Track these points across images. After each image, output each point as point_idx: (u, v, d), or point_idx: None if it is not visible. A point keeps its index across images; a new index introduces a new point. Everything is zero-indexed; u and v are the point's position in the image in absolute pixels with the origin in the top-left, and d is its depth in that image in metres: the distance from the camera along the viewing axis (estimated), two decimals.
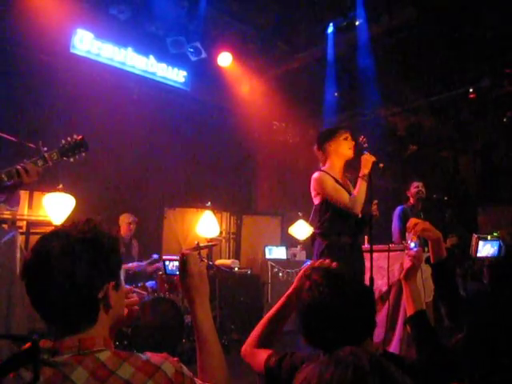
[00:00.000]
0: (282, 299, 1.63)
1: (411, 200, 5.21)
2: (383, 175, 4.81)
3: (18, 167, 2.40)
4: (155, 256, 5.54)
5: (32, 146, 2.68)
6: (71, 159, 2.61)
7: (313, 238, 3.36)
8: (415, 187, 5.21)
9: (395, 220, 5.02)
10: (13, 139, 2.91)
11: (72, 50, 5.76)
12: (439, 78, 6.89)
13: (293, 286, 1.61)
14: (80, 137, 2.64)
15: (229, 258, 7.29)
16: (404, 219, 4.91)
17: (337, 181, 3.26)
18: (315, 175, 3.28)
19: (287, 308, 1.61)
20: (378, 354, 1.32)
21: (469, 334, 1.24)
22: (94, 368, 0.98)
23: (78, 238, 1.06)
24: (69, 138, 2.61)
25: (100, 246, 1.08)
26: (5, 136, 2.90)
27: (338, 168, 3.32)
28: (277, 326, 1.62)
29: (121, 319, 1.17)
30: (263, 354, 1.50)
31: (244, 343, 1.64)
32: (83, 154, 2.66)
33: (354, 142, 3.32)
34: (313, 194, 3.34)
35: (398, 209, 5.04)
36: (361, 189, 3.12)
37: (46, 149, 2.54)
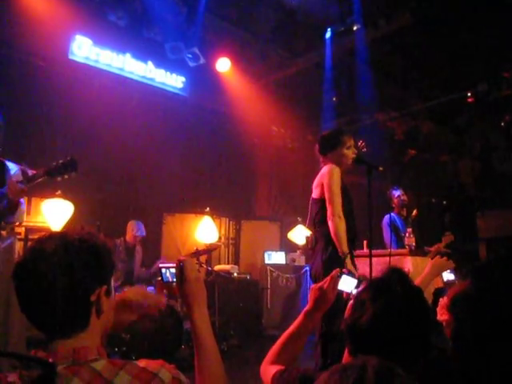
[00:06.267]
0: (300, 317, 1.59)
1: (396, 209, 5.18)
2: (383, 180, 4.80)
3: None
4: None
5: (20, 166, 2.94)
6: (58, 178, 2.79)
7: (314, 240, 3.19)
8: (397, 197, 5.18)
9: (385, 230, 4.98)
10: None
11: (71, 57, 5.78)
12: (437, 83, 6.91)
13: (310, 304, 1.59)
14: (69, 158, 2.80)
15: (228, 264, 7.27)
16: (394, 228, 4.90)
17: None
18: (329, 166, 3.20)
19: (306, 326, 1.57)
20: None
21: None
22: (90, 378, 0.96)
23: (73, 238, 1.06)
24: (60, 160, 2.79)
25: (94, 248, 1.08)
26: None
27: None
28: (296, 344, 1.57)
29: (110, 327, 1.17)
30: (273, 370, 1.46)
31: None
32: (72, 174, 2.81)
33: (355, 150, 3.30)
34: (316, 184, 3.24)
35: (386, 218, 5.00)
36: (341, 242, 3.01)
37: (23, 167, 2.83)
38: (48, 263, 1.01)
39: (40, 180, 2.77)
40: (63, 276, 1.01)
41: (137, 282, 5.34)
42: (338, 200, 3.09)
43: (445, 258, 2.32)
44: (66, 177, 2.79)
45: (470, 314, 1.09)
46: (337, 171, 3.15)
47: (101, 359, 1.02)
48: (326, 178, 3.13)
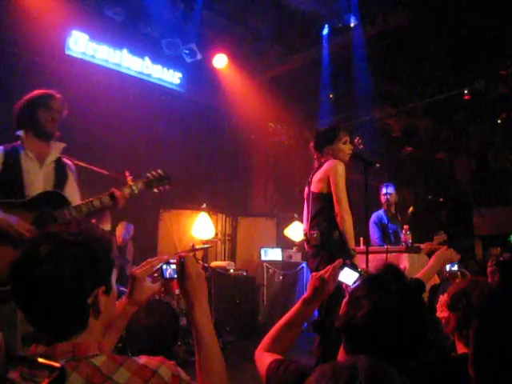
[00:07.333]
0: (297, 304, 1.59)
1: (384, 205, 5.20)
2: (380, 176, 4.79)
3: (111, 193, 2.75)
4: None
5: (117, 176, 3.03)
6: (155, 190, 2.87)
7: (319, 237, 3.04)
8: (384, 194, 5.19)
9: (372, 227, 4.99)
10: (104, 172, 3.21)
11: (67, 52, 5.75)
12: (434, 80, 6.91)
13: (309, 292, 1.59)
14: (162, 172, 2.90)
15: (224, 260, 7.27)
16: (380, 225, 4.93)
17: None
18: (334, 161, 3.14)
19: (303, 314, 1.58)
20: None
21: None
22: (89, 374, 0.96)
23: (67, 240, 1.03)
24: (153, 172, 2.87)
25: (90, 250, 1.05)
26: (97, 169, 3.24)
27: None
28: (291, 332, 1.57)
29: (112, 321, 1.16)
30: (268, 359, 1.44)
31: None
32: (167, 187, 2.88)
33: (352, 146, 3.30)
34: (319, 178, 3.16)
35: (374, 216, 5.04)
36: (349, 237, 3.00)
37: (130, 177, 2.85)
38: (41, 271, 0.99)
39: (139, 190, 2.81)
40: (57, 284, 0.99)
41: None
42: (346, 197, 3.05)
43: (451, 249, 2.29)
44: (161, 189, 2.87)
45: (498, 314, 1.08)
46: (342, 167, 3.10)
47: (101, 355, 1.01)
48: (333, 174, 3.06)
